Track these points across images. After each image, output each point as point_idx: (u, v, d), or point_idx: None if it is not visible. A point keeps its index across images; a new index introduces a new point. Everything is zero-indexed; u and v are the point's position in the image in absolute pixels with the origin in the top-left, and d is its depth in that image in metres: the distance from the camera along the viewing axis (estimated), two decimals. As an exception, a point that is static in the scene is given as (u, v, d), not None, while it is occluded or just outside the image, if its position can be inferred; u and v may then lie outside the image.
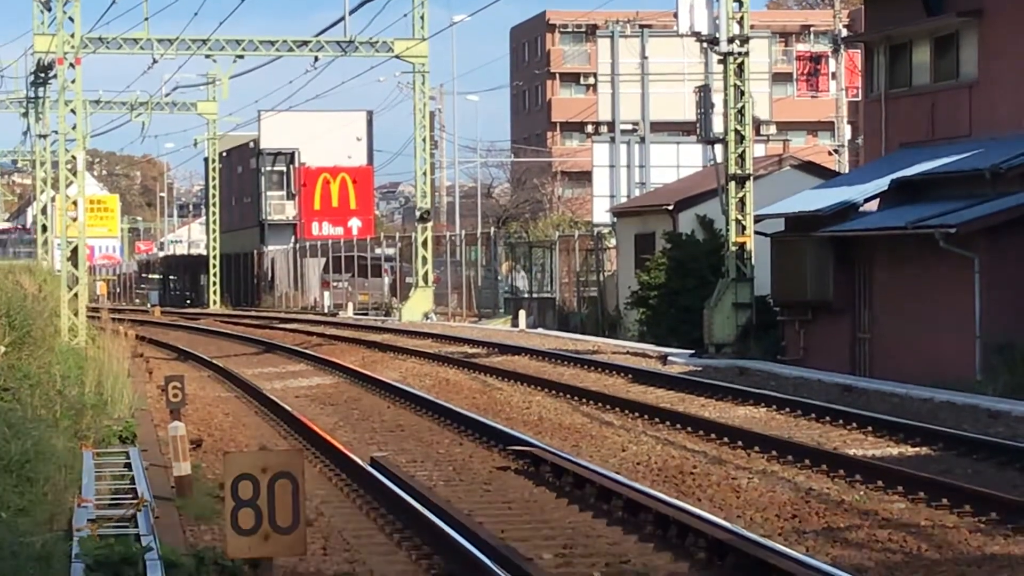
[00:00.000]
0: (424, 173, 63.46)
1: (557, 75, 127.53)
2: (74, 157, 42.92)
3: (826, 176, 53.68)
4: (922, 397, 28.50)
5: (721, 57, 40.81)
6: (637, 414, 27.17)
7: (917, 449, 22.73)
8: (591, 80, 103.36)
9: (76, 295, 40.94)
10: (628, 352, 41.00)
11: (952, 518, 17.22)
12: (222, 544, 11.36)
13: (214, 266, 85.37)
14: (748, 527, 16.00)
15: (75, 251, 41.62)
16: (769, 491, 19.02)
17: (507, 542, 15.48)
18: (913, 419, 25.13)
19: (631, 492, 17.91)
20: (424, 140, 64.12)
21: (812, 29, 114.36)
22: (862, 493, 18.92)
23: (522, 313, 56.36)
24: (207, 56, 62.60)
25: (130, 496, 16.57)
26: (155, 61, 62.81)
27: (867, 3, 48.50)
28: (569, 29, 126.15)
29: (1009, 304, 34.34)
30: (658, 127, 65.22)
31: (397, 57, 63.87)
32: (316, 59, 62.04)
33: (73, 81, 43.06)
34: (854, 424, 25.30)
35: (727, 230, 40.83)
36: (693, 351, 39.64)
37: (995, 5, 39.56)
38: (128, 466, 19.11)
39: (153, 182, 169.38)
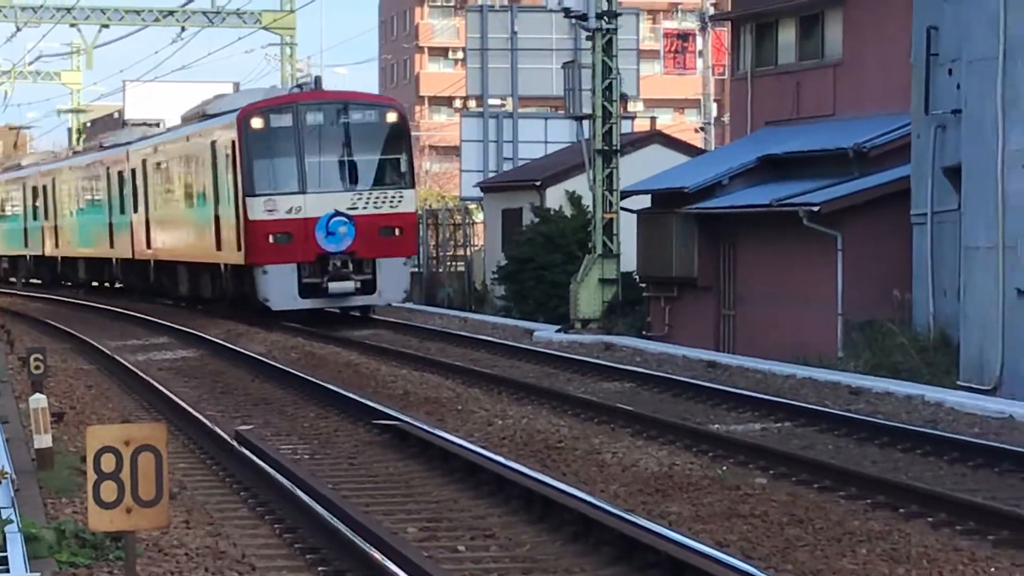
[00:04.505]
0: (292, 145, 63.04)
1: (426, 49, 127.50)
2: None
3: (692, 153, 54.08)
4: (785, 373, 28.75)
5: (590, 33, 40.92)
6: (503, 389, 27.23)
7: (779, 425, 22.91)
8: (460, 55, 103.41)
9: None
10: (495, 327, 41.12)
11: (813, 493, 17.38)
12: (84, 517, 11.27)
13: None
14: (612, 501, 16.06)
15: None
16: (633, 465, 19.10)
17: (373, 516, 15.46)
18: (776, 395, 25.34)
19: (496, 466, 17.94)
20: (292, 112, 63.75)
21: (680, 7, 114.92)
22: (725, 468, 19.04)
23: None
24: (72, 25, 62.18)
25: (-10, 468, 16.39)
26: (18, 29, 62.34)
27: (734, -18, 48.77)
28: (438, 3, 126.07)
29: (871, 282, 34.68)
30: (527, 102, 65.32)
31: (265, 28, 63.72)
32: (183, 29, 61.72)
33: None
34: (718, 400, 25.47)
35: (594, 206, 40.95)
36: (559, 327, 39.76)
37: (858, -14, 39.91)
38: (-11, 438, 18.90)
39: (15, 150, 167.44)
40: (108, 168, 57.16)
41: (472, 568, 13.87)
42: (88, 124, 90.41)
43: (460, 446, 19.52)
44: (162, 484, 10.44)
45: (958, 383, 27.66)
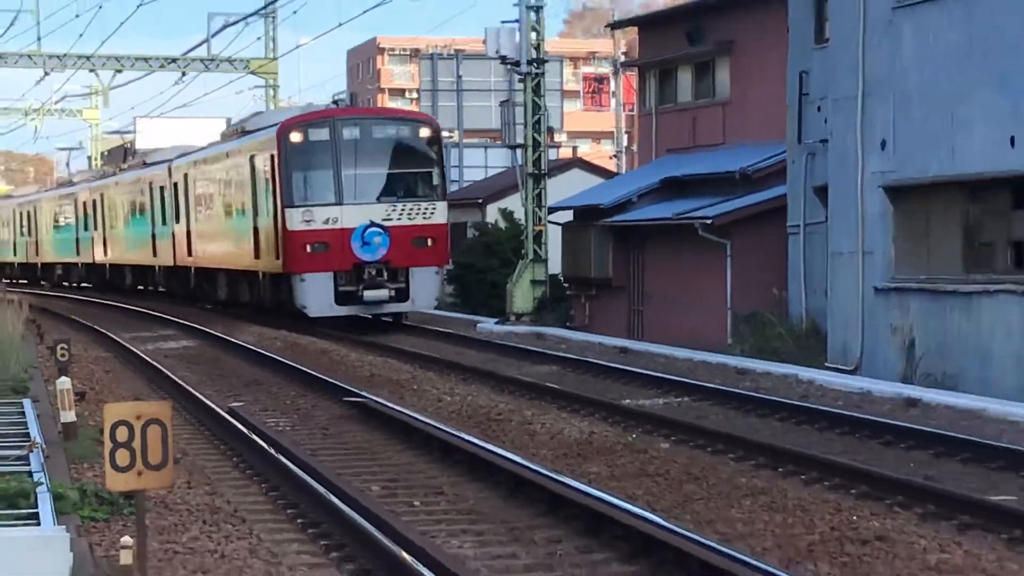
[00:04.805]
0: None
1: (386, 90, 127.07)
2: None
3: (607, 176, 54.30)
4: (683, 357, 28.82)
5: (522, 77, 40.97)
6: (451, 371, 27.23)
7: (679, 399, 22.95)
8: (415, 95, 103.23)
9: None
10: (445, 320, 41.05)
11: (706, 456, 17.46)
12: (102, 479, 11.27)
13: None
14: (542, 463, 16.11)
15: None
16: (559, 434, 19.14)
17: (343, 477, 15.48)
18: (676, 375, 25.39)
19: (445, 435, 17.98)
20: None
21: (596, 55, 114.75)
22: (635, 435, 19.08)
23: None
24: (91, 70, 61.78)
25: (24, 440, 16.34)
26: (46, 74, 61.91)
27: (641, 34, 48.96)
28: (396, 52, 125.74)
29: (754, 282, 34.88)
30: (470, 134, 65.42)
31: (252, 73, 63.41)
32: (183, 74, 61.44)
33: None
34: (629, 379, 25.50)
35: (526, 219, 40.98)
36: (498, 319, 39.78)
37: (743, 39, 40.14)
38: (22, 415, 18.83)
39: (44, 176, 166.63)
40: (151, 183, 53.32)
41: (425, 519, 13.89)
42: (105, 153, 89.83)
43: (416, 419, 19.54)
44: (167, 451, 10.43)
45: (826, 364, 27.80)
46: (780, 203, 34.24)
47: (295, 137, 36.57)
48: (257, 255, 39.30)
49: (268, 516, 14.21)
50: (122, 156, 75.54)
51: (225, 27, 56.81)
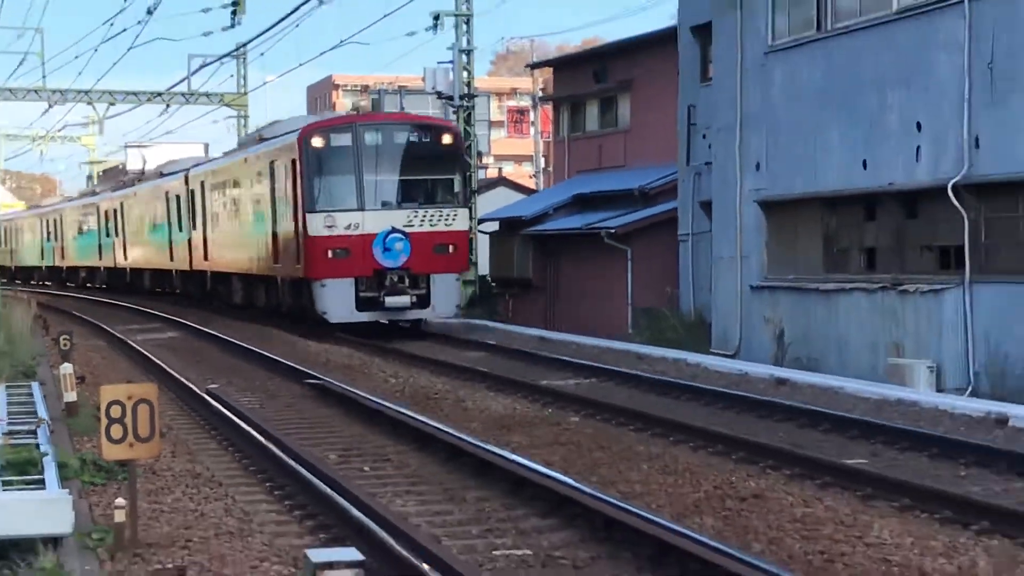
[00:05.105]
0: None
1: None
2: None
3: (527, 192, 54.28)
4: (593, 344, 28.87)
5: (455, 109, 40.96)
6: (396, 357, 27.15)
7: (589, 380, 22.99)
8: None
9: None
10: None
11: (611, 427, 17.50)
12: (99, 450, 11.18)
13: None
14: (472, 434, 16.09)
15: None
16: (487, 409, 19.13)
17: (304, 447, 15.41)
18: (586, 360, 25.43)
19: (391, 411, 17.93)
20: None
21: (518, 91, 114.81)
22: (551, 411, 19.10)
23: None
24: (88, 103, 61.28)
25: (32, 417, 16.19)
26: (50, 106, 61.40)
27: (556, 73, 49.03)
28: (349, 88, 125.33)
29: (650, 281, 35.01)
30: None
31: (226, 105, 63.05)
32: (168, 106, 61.05)
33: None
34: (546, 363, 25.54)
35: (460, 230, 40.84)
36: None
37: (641, 78, 40.29)
38: (31, 396, 18.66)
39: (49, 193, 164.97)
40: (167, 192, 48.65)
41: (373, 481, 13.85)
42: (101, 173, 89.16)
43: (366, 397, 19.49)
44: (155, 426, 10.37)
45: (710, 350, 27.93)
46: (672, 215, 34.38)
47: (317, 142, 31.70)
48: (276, 260, 34.46)
49: (241, 481, 14.13)
50: (115, 175, 74.72)
51: (203, 66, 56.54)
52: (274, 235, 34.29)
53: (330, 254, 31.16)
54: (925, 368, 21.94)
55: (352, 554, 6.30)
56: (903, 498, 12.52)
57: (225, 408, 18.39)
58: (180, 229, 46.46)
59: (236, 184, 39.03)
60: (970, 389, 21.63)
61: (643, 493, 12.95)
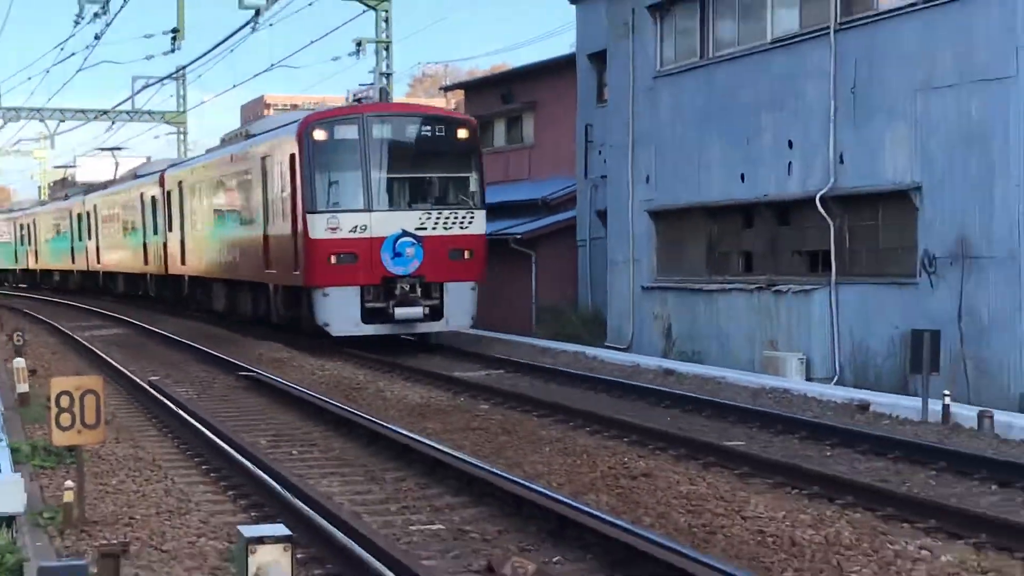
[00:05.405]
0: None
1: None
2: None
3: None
4: (502, 339, 28.91)
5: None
6: (321, 352, 26.86)
7: (498, 371, 23.00)
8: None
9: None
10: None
11: (516, 414, 17.52)
12: (49, 436, 11.01)
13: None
14: (392, 421, 16.05)
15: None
16: (404, 398, 19.08)
17: (238, 433, 15.28)
18: (494, 353, 25.45)
19: (317, 400, 17.84)
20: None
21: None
22: (463, 399, 19.10)
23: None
24: (40, 120, 60.42)
25: (-13, 407, 15.94)
26: (4, 123, 60.40)
27: (467, 95, 48.96)
28: (279, 107, 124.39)
29: (553, 282, 35.08)
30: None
31: (167, 122, 62.44)
32: (113, 123, 60.35)
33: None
34: (459, 356, 25.51)
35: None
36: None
37: (544, 99, 40.34)
38: (-14, 387, 18.36)
39: (3, 203, 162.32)
40: (142, 193, 43.44)
41: (301, 464, 13.76)
42: (52, 184, 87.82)
43: (294, 388, 19.37)
44: (100, 415, 10.25)
45: (606, 344, 28.06)
46: (571, 223, 34.50)
47: (319, 135, 26.00)
48: (268, 265, 28.88)
49: (180, 464, 13.98)
50: (62, 186, 73.15)
51: (145, 87, 55.95)
52: (266, 238, 28.87)
53: (333, 260, 25.63)
54: (796, 360, 22.19)
55: (281, 530, 6.26)
56: (776, 476, 12.65)
57: (165, 398, 18.19)
58: (155, 232, 41.85)
59: (220, 183, 33.71)
60: (836, 378, 21.93)
61: (545, 473, 12.98)
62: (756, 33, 24.73)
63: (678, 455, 14.03)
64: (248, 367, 22.64)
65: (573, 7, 35.04)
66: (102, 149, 65.03)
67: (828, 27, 22.63)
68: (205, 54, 60.55)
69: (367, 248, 25.60)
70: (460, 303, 26.36)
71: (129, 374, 21.76)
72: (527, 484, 11.30)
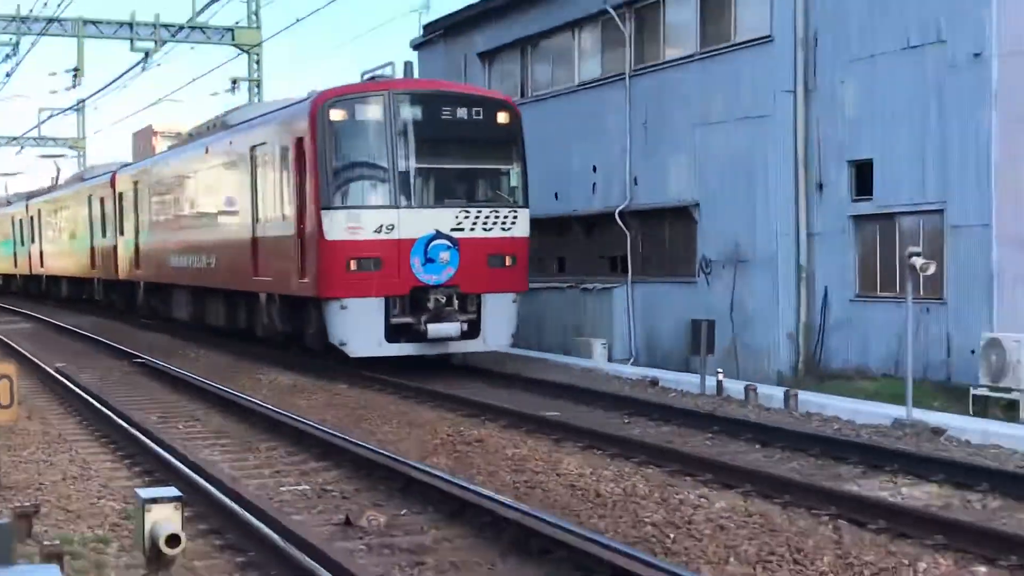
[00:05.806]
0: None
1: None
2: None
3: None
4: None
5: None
6: (205, 342, 26.15)
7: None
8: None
9: None
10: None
11: (371, 392, 17.34)
12: (-35, 417, 10.63)
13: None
14: (265, 399, 15.84)
15: None
16: (276, 380, 18.76)
17: (132, 410, 14.92)
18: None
19: (200, 383, 17.50)
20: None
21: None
22: (326, 381, 18.89)
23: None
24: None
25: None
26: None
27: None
28: (166, 134, 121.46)
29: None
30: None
31: (70, 147, 60.70)
32: (21, 147, 58.37)
33: None
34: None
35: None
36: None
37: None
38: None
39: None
40: (90, 195, 35.71)
41: (185, 436, 13.52)
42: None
43: (181, 373, 18.97)
44: (14, 396, 9.95)
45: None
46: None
47: (337, 114, 18.09)
48: (258, 271, 21.12)
49: (82, 437, 13.60)
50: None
51: (51, 117, 54.51)
52: (255, 241, 21.19)
53: (353, 265, 17.94)
54: (600, 345, 22.57)
55: (172, 491, 6.21)
56: (585, 440, 12.87)
57: (70, 382, 17.67)
58: (104, 235, 34.28)
59: (189, 181, 25.98)
60: (632, 359, 22.40)
61: (395, 440, 12.98)
62: (567, 77, 25.16)
63: (505, 424, 14.12)
64: (141, 355, 21.91)
65: (415, 52, 35.02)
66: (44, 157, 60.68)
67: (624, 73, 23.16)
68: (102, 89, 58.79)
69: (394, 252, 17.97)
70: (500, 318, 18.83)
71: (39, 362, 20.98)
72: (379, 450, 11.31)
